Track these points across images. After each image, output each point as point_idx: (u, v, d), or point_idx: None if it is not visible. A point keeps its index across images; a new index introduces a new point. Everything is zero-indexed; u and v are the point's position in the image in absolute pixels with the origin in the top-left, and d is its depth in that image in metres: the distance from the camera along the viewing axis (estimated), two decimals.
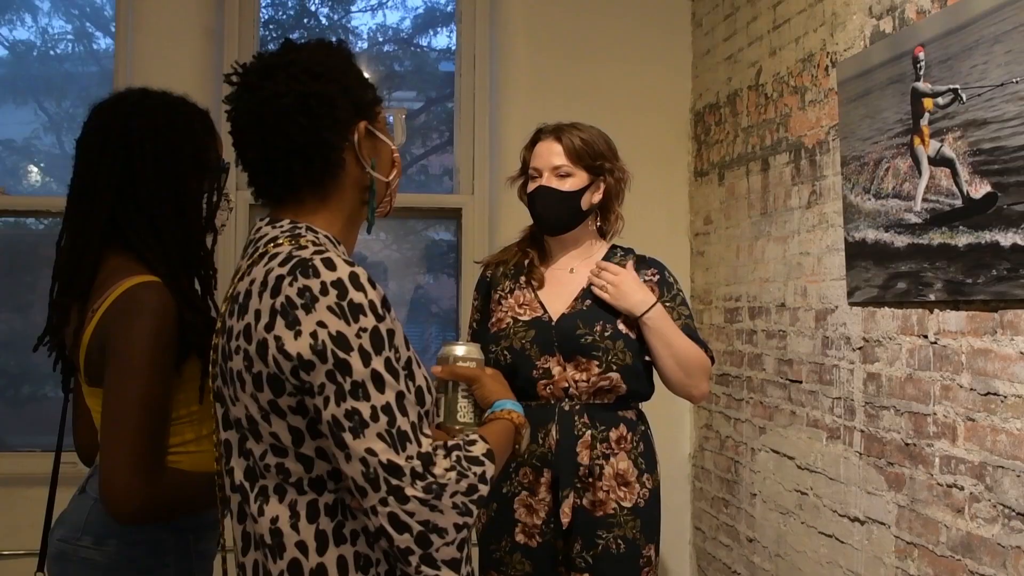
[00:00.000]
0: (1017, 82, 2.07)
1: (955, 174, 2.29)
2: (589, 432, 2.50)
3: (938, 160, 2.36)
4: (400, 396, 1.40)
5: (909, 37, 2.50)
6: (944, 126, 2.34)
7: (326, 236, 1.55)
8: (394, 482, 1.35)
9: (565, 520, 2.46)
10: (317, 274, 1.40)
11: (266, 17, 4.47)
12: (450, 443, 1.45)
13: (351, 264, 1.44)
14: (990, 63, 2.16)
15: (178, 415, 1.79)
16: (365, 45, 4.63)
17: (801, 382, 3.16)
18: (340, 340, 1.38)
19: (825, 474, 2.98)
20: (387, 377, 1.39)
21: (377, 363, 1.39)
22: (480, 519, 2.60)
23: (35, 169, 4.45)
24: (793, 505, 3.20)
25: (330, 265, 1.42)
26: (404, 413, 1.39)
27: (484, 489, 1.44)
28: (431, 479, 1.37)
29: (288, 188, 1.57)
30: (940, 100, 2.35)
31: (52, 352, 1.95)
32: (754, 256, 3.57)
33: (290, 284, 1.41)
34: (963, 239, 2.27)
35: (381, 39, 4.66)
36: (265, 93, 1.51)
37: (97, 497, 1.79)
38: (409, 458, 1.36)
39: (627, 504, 2.49)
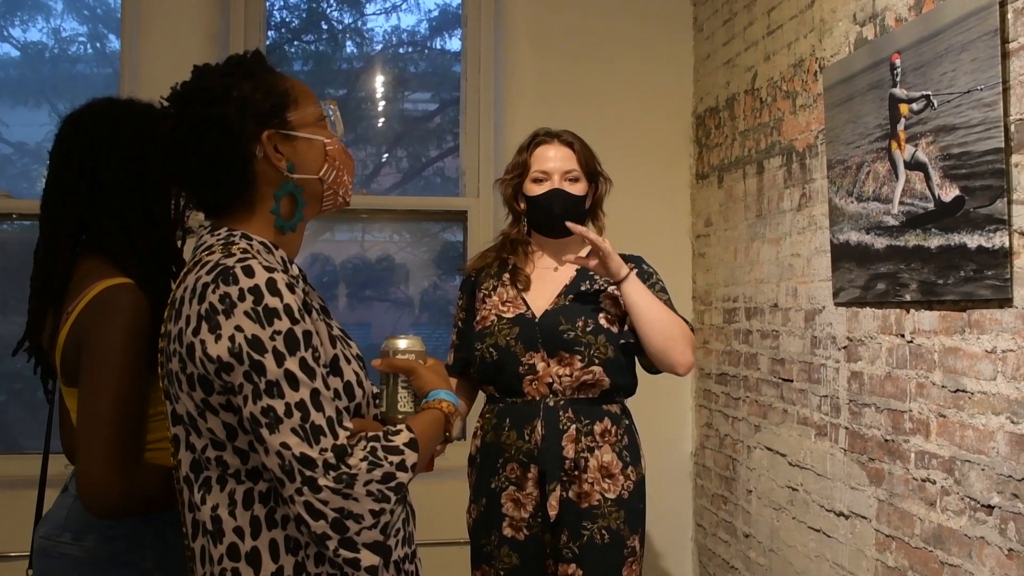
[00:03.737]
0: (981, 89, 2.13)
1: (928, 178, 2.36)
2: (574, 426, 2.57)
3: (913, 164, 2.43)
4: (315, 393, 1.48)
5: (887, 44, 2.56)
6: (918, 131, 2.40)
7: (261, 242, 1.62)
8: (307, 473, 1.43)
9: (553, 513, 2.53)
10: (236, 281, 1.49)
11: (278, 20, 4.52)
12: (370, 434, 1.53)
13: (271, 271, 1.52)
14: (958, 71, 2.22)
15: (155, 411, 1.82)
16: (380, 47, 4.68)
17: (792, 381, 3.22)
18: (255, 343, 1.46)
19: (813, 470, 3.05)
20: (301, 376, 1.47)
21: (291, 363, 1.47)
22: (471, 514, 2.69)
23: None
24: (785, 501, 3.27)
25: (249, 272, 1.50)
26: (319, 409, 1.47)
27: (403, 476, 1.52)
28: (344, 469, 1.45)
29: (212, 206, 1.66)
30: (915, 106, 2.42)
31: (31, 357, 1.99)
32: (750, 258, 3.63)
33: (212, 291, 1.50)
34: (935, 241, 2.33)
35: (395, 41, 4.70)
36: (169, 125, 1.61)
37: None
38: (323, 450, 1.45)
39: (611, 496, 2.57)
